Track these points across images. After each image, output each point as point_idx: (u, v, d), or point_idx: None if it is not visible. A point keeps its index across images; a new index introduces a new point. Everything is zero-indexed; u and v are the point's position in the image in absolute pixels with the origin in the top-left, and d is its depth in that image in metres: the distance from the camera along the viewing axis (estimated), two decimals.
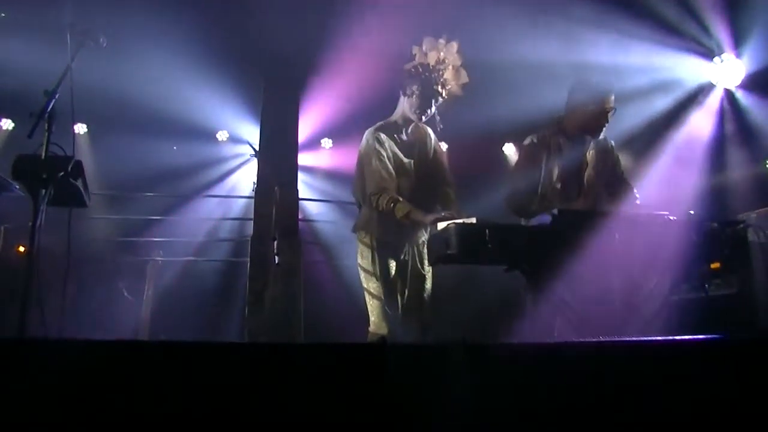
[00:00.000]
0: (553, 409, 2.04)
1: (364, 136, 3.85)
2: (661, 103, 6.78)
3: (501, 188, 3.97)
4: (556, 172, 3.80)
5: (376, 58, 6.30)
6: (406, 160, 3.83)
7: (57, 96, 3.13)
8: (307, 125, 7.58)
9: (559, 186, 3.79)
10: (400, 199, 3.60)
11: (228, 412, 1.87)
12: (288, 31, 6.32)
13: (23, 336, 2.83)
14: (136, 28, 5.89)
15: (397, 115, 3.91)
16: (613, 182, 3.90)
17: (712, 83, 6.93)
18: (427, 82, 3.77)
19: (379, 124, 3.89)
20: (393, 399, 1.96)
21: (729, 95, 6.95)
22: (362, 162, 3.83)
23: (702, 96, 6.97)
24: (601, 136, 3.92)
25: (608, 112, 3.76)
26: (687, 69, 6.77)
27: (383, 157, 3.73)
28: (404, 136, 3.90)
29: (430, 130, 4.01)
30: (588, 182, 3.81)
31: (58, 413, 1.79)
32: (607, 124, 3.80)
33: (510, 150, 8.94)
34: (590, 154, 3.83)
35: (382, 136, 3.79)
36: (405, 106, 3.86)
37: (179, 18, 5.90)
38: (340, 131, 8.15)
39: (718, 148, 6.85)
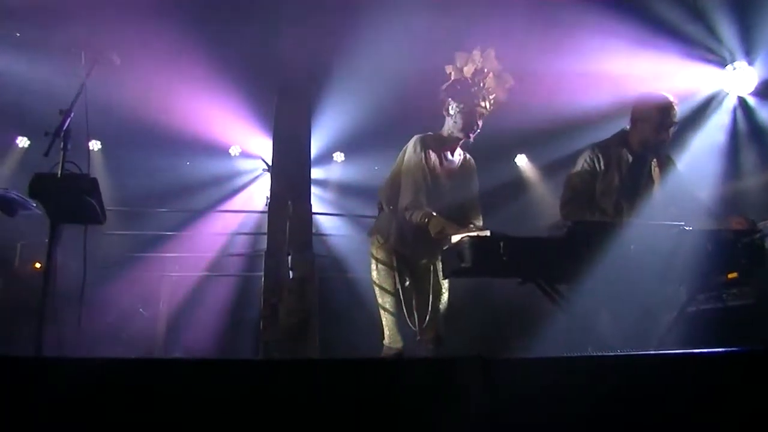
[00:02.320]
0: (570, 423, 2.02)
1: (411, 142, 3.74)
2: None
3: (562, 192, 3.90)
4: (615, 184, 3.78)
5: (388, 72, 6.33)
6: (447, 181, 3.76)
7: (72, 114, 3.16)
8: (319, 139, 7.61)
9: (615, 198, 3.76)
10: (434, 214, 3.50)
11: (241, 430, 1.87)
12: (300, 46, 6.36)
13: (40, 352, 2.85)
14: (149, 46, 5.94)
15: (445, 132, 3.82)
16: (684, 200, 3.83)
17: (725, 91, 6.91)
18: (467, 97, 3.68)
19: (428, 134, 3.79)
20: (409, 414, 1.95)
21: (742, 102, 6.92)
22: (401, 168, 3.73)
23: (715, 104, 6.95)
24: (663, 154, 3.90)
25: (669, 126, 3.73)
26: (699, 77, 6.75)
27: (426, 172, 3.66)
28: (449, 155, 3.82)
29: (475, 167, 3.95)
30: (653, 198, 3.76)
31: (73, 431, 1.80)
32: (668, 139, 3.78)
33: (522, 161, 8.93)
34: (656, 171, 3.80)
35: (431, 151, 3.71)
36: (450, 125, 3.77)
37: (192, 35, 5.96)
38: (353, 145, 8.18)
39: (732, 155, 6.82)
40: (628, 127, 3.88)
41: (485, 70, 3.73)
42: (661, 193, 3.76)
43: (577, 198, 3.79)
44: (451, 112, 3.73)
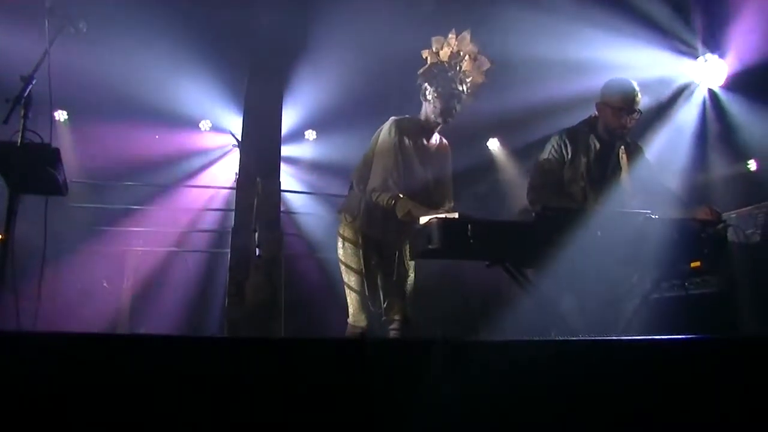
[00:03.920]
0: (533, 407, 2.03)
1: (387, 126, 3.69)
2: (644, 102, 6.83)
3: (529, 177, 3.92)
4: (582, 171, 3.80)
5: (362, 49, 6.28)
6: (420, 167, 3.73)
7: (34, 82, 3.07)
8: (290, 116, 7.54)
9: (582, 185, 3.79)
10: (401, 196, 3.48)
11: (205, 408, 1.85)
12: (273, 20, 6.28)
13: None
14: (118, 14, 5.81)
15: (422, 117, 3.77)
16: (652, 187, 3.85)
17: (695, 82, 6.98)
18: (444, 82, 3.62)
19: (405, 117, 3.74)
20: (372, 394, 1.95)
21: (712, 95, 7.01)
22: (375, 150, 3.68)
23: (685, 95, 7.03)
24: (631, 142, 3.94)
25: (631, 113, 3.75)
26: (670, 68, 6.81)
27: (399, 157, 3.62)
28: (425, 140, 3.79)
29: (450, 150, 3.94)
30: (620, 185, 3.78)
31: (30, 409, 1.76)
32: (630, 125, 3.79)
33: (494, 145, 8.95)
34: (623, 159, 3.83)
35: (406, 137, 3.67)
36: (427, 110, 3.72)
37: (162, 4, 5.83)
38: (324, 123, 8.12)
39: (700, 147, 6.91)
40: (595, 113, 3.91)
41: (461, 53, 3.68)
42: (628, 180, 3.79)
43: (543, 184, 3.82)
44: (429, 97, 3.67)
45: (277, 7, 6.14)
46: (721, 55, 6.72)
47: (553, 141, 3.89)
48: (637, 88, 3.78)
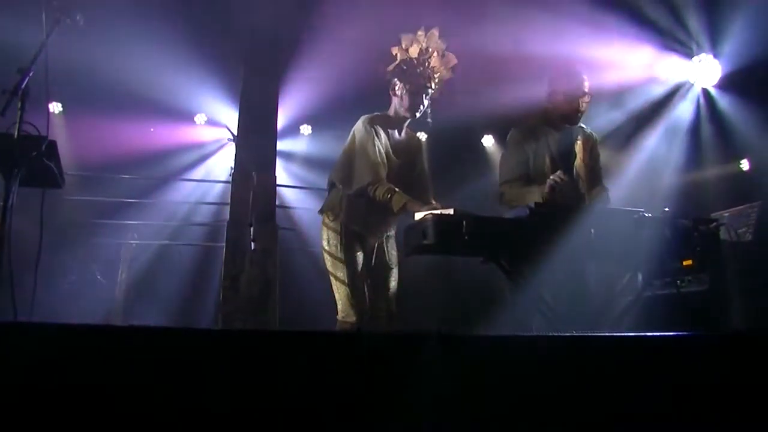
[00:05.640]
0: (525, 400, 2.05)
1: (360, 123, 3.75)
2: (639, 100, 6.87)
3: (494, 180, 3.93)
4: (547, 162, 3.79)
5: (358, 44, 6.28)
6: (394, 158, 3.77)
7: (31, 74, 3.06)
8: (286, 111, 7.53)
9: (549, 178, 3.78)
10: (397, 190, 3.53)
11: (200, 399, 1.86)
12: (269, 14, 6.27)
13: None
14: (115, 7, 5.79)
15: (391, 112, 3.86)
16: (592, 178, 3.87)
17: (689, 82, 7.02)
18: (413, 77, 3.72)
19: (375, 114, 3.81)
20: (368, 386, 1.96)
21: (706, 94, 7.04)
22: (353, 148, 3.73)
23: (679, 94, 7.06)
24: (588, 130, 3.93)
25: (582, 97, 3.76)
26: (665, 67, 6.84)
27: (380, 147, 3.68)
28: (397, 135, 3.85)
29: (423, 144, 3.98)
30: (578, 172, 3.78)
31: (24, 399, 1.77)
32: (583, 111, 3.80)
33: (489, 142, 8.97)
34: (578, 144, 3.82)
35: (378, 127, 3.73)
36: (396, 105, 3.81)
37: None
38: (320, 118, 8.11)
39: (693, 146, 6.95)
40: (546, 105, 3.90)
41: (429, 50, 3.78)
42: (584, 167, 3.79)
43: (513, 180, 3.80)
44: (398, 92, 3.78)
45: (273, 0, 6.12)
46: (716, 55, 6.75)
47: (513, 137, 3.90)
48: (582, 70, 3.79)
